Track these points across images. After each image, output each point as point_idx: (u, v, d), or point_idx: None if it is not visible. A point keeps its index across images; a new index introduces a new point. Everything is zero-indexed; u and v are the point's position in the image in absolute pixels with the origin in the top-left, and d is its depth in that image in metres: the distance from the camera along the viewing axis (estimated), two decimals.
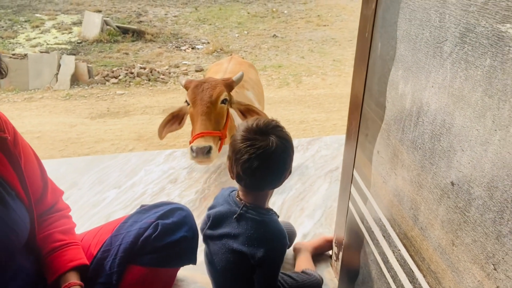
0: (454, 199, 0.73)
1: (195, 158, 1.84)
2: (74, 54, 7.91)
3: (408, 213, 0.90)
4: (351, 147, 1.26)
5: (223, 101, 1.96)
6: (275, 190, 1.23)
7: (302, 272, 1.42)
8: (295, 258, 1.57)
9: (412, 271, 0.90)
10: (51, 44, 8.85)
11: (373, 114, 1.07)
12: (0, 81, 6.38)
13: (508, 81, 0.58)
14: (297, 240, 1.66)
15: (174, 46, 8.87)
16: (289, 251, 1.62)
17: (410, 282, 0.91)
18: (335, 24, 10.60)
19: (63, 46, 8.75)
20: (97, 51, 8.45)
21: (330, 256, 1.63)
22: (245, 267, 1.14)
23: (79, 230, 1.31)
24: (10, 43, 8.77)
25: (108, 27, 9.29)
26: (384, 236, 1.04)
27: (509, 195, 0.59)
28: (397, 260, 0.97)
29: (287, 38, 9.47)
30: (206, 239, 1.26)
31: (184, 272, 1.50)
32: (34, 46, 8.66)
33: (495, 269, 0.64)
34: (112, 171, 2.27)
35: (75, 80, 6.92)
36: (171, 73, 7.30)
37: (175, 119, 2.13)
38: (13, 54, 7.68)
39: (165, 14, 11.41)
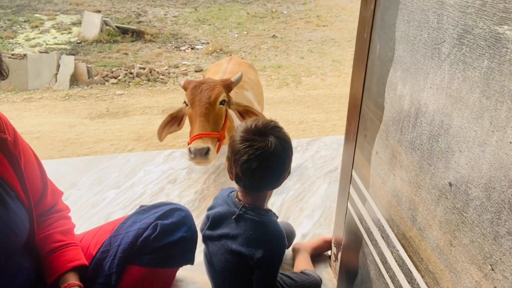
0: (452, 199, 0.73)
1: (193, 159, 1.84)
2: (74, 54, 7.91)
3: (407, 213, 0.91)
4: (350, 147, 1.26)
5: (222, 102, 1.96)
6: (274, 190, 1.23)
7: (301, 272, 1.42)
8: (294, 258, 1.58)
9: (411, 271, 0.90)
10: (51, 44, 8.85)
11: (371, 115, 1.08)
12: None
13: (505, 82, 0.59)
14: (296, 241, 1.67)
15: (173, 47, 8.87)
16: (288, 252, 1.62)
17: (409, 283, 0.92)
18: (334, 25, 10.62)
19: (63, 46, 8.75)
20: (97, 51, 8.45)
21: (329, 257, 1.63)
22: (244, 268, 1.14)
23: (79, 230, 1.31)
24: (9, 43, 8.77)
25: (107, 27, 9.30)
26: (382, 237, 1.05)
27: (507, 196, 0.60)
28: (396, 261, 0.97)
29: (286, 39, 9.48)
30: (205, 239, 1.26)
31: (183, 272, 1.50)
32: (34, 46, 8.66)
33: (492, 270, 0.64)
34: (112, 172, 2.27)
35: (75, 80, 6.92)
36: (171, 74, 7.30)
37: (174, 120, 2.13)
38: (13, 54, 7.68)
39: (165, 14, 11.41)
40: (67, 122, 5.24)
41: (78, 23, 10.17)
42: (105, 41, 8.86)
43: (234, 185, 1.20)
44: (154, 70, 7.26)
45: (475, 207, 0.67)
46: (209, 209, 1.28)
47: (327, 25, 10.56)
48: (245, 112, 2.05)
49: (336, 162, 2.34)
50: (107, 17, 9.96)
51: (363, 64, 1.10)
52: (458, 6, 0.68)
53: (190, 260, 1.30)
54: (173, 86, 6.73)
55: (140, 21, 10.69)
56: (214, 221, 1.21)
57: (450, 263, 0.75)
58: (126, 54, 8.33)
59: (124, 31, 9.33)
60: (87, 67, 7.04)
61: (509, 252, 0.60)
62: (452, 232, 0.74)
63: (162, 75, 7.17)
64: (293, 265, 1.55)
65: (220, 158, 2.27)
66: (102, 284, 1.16)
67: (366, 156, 1.13)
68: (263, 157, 1.05)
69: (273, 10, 11.99)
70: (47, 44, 8.85)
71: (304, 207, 1.96)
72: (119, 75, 7.05)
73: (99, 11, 10.95)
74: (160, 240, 1.20)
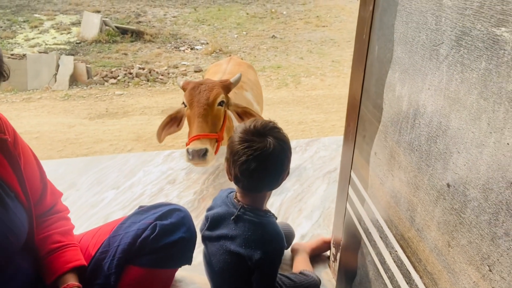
0: (450, 200, 0.74)
1: (191, 161, 1.84)
2: (73, 55, 7.91)
3: (405, 214, 0.91)
4: (348, 148, 1.26)
5: (220, 103, 1.96)
6: (274, 191, 1.23)
7: (300, 273, 1.42)
8: (292, 259, 1.58)
9: (409, 272, 0.91)
10: (50, 45, 8.85)
11: (370, 115, 1.08)
12: None
13: (503, 84, 0.59)
14: (295, 241, 1.67)
15: (173, 47, 8.88)
16: (287, 252, 1.62)
17: (407, 283, 0.92)
18: (334, 25, 10.62)
19: (62, 46, 8.75)
20: (96, 51, 8.45)
21: (328, 257, 1.63)
22: (243, 269, 1.15)
23: (78, 230, 1.31)
24: (8, 43, 8.76)
25: (107, 27, 9.30)
26: (381, 237, 1.05)
27: (504, 197, 0.60)
28: (394, 261, 0.98)
29: (286, 39, 9.49)
30: (205, 240, 1.26)
31: (182, 272, 1.50)
32: (33, 46, 8.66)
33: (490, 271, 0.64)
34: (111, 172, 2.27)
35: (74, 80, 6.92)
36: (170, 74, 7.30)
37: (173, 121, 2.13)
38: (12, 55, 7.67)
39: (164, 15, 11.41)
40: (67, 122, 5.23)
41: (77, 23, 10.16)
42: (104, 41, 8.86)
43: (233, 185, 1.20)
44: (154, 71, 7.26)
45: (473, 208, 0.67)
46: (208, 209, 1.28)
47: (326, 26, 10.56)
48: (243, 114, 2.06)
49: (335, 162, 2.34)
50: (106, 17, 9.95)
51: (362, 65, 1.10)
52: (456, 8, 0.68)
53: (189, 261, 1.30)
54: (173, 87, 6.73)
55: (140, 21, 10.69)
56: (213, 222, 1.21)
57: (448, 264, 0.76)
58: (126, 54, 8.33)
59: (123, 31, 9.33)
60: (87, 67, 7.04)
61: (506, 253, 0.60)
62: (450, 233, 0.74)
63: (162, 75, 7.17)
64: (292, 266, 1.55)
65: (219, 158, 2.27)
66: (101, 285, 1.16)
67: (364, 157, 1.13)
68: (261, 157, 1.05)
69: (273, 10, 12.00)
70: (46, 44, 8.84)
71: (303, 208, 1.96)
72: (118, 75, 7.05)
73: (98, 11, 10.95)
74: (159, 240, 1.20)
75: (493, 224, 0.63)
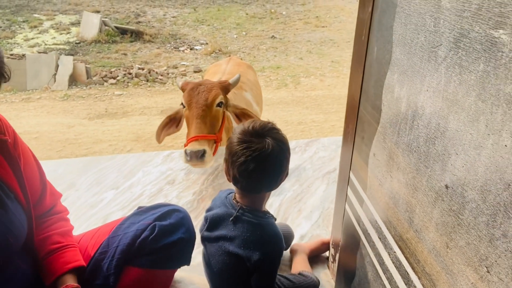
0: (448, 202, 0.74)
1: (189, 162, 1.84)
2: (72, 55, 7.91)
3: (404, 215, 0.91)
4: (347, 149, 1.27)
5: (219, 104, 1.96)
6: (273, 191, 1.23)
7: (299, 274, 1.42)
8: (291, 259, 1.58)
9: (407, 273, 0.91)
10: (49, 45, 8.84)
11: (369, 117, 1.08)
12: None
13: (500, 86, 0.59)
14: (294, 242, 1.67)
15: (172, 47, 8.87)
16: (286, 253, 1.62)
17: (406, 284, 0.92)
18: (333, 26, 10.63)
19: (61, 46, 8.75)
20: (95, 51, 8.44)
21: (327, 258, 1.64)
22: (241, 270, 1.15)
23: (77, 231, 1.31)
24: (8, 43, 8.76)
25: (106, 27, 9.29)
26: (380, 238, 1.05)
27: (502, 198, 0.60)
28: (393, 262, 0.98)
29: (285, 39, 9.49)
30: (204, 240, 1.26)
31: (182, 273, 1.50)
32: (32, 47, 8.65)
33: (488, 272, 0.64)
34: (110, 172, 2.27)
35: (73, 80, 6.92)
36: (170, 74, 7.30)
37: (172, 122, 2.13)
38: (11, 55, 7.67)
39: (164, 15, 11.41)
40: (66, 122, 5.23)
41: (77, 23, 10.16)
42: (104, 42, 8.85)
43: (232, 186, 1.21)
44: (153, 71, 7.26)
45: (471, 209, 0.67)
46: (208, 210, 1.28)
47: (326, 26, 10.57)
48: (241, 115, 2.05)
49: (335, 163, 2.35)
50: (106, 18, 9.95)
51: (361, 66, 1.11)
52: (454, 10, 0.68)
53: (188, 261, 1.30)
54: (172, 87, 6.73)
55: (139, 22, 10.69)
56: (212, 223, 1.22)
57: (446, 265, 0.76)
58: (125, 54, 8.33)
59: (123, 32, 9.33)
60: (86, 67, 7.04)
61: (504, 255, 0.61)
62: (448, 234, 0.74)
63: (161, 75, 7.17)
64: (291, 266, 1.55)
65: (218, 159, 2.27)
66: (100, 285, 1.16)
67: (363, 158, 1.14)
68: (260, 158, 1.05)
69: (272, 10, 12.00)
70: (45, 44, 8.84)
71: (303, 208, 1.96)
72: (118, 76, 7.05)
73: (98, 11, 10.95)
74: (158, 241, 1.20)
75: (491, 226, 0.63)
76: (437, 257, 0.79)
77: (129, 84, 6.84)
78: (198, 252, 1.33)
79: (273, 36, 9.68)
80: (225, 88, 2.02)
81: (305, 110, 5.63)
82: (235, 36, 9.79)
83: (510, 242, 0.59)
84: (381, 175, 1.02)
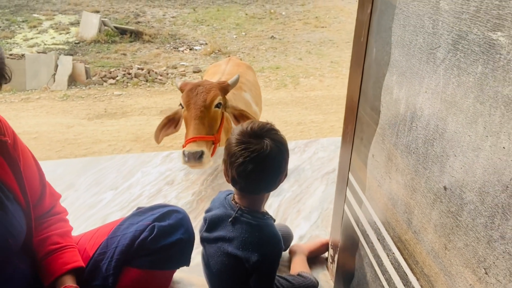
0: (446, 203, 0.74)
1: (187, 163, 1.84)
2: (72, 55, 7.90)
3: (402, 216, 0.91)
4: (346, 150, 1.27)
5: (217, 105, 1.96)
6: (272, 192, 1.23)
7: (298, 275, 1.42)
8: (290, 260, 1.58)
9: (406, 274, 0.91)
10: (49, 45, 8.83)
11: (368, 118, 1.08)
12: None
13: (499, 88, 0.59)
14: (293, 242, 1.67)
15: (172, 47, 8.87)
16: (285, 253, 1.63)
17: (404, 285, 0.92)
18: (332, 26, 10.63)
19: (61, 46, 8.74)
20: (95, 51, 8.44)
21: (326, 259, 1.64)
22: (240, 271, 1.15)
23: (76, 231, 1.31)
24: (7, 43, 8.75)
25: (106, 27, 9.29)
26: (378, 239, 1.05)
27: (500, 200, 0.60)
28: (391, 263, 0.98)
29: (285, 40, 9.49)
30: (203, 241, 1.26)
31: (181, 274, 1.50)
32: (32, 46, 8.64)
33: (486, 273, 0.65)
34: (109, 173, 2.27)
35: (73, 80, 6.91)
36: (169, 74, 7.30)
37: (171, 122, 2.13)
38: (11, 55, 7.66)
39: (163, 15, 11.41)
40: (65, 122, 5.23)
41: (76, 23, 10.15)
42: (103, 42, 8.84)
43: (232, 187, 1.21)
44: (153, 71, 7.26)
45: (469, 211, 0.68)
46: (207, 211, 1.28)
47: (325, 26, 10.57)
48: (240, 116, 2.05)
49: (334, 163, 2.35)
50: (105, 18, 9.94)
51: (360, 68, 1.11)
52: (453, 12, 0.68)
53: (187, 262, 1.30)
54: (172, 87, 6.72)
55: (139, 22, 10.68)
56: (211, 224, 1.22)
57: (444, 266, 0.76)
58: (125, 54, 8.32)
59: (122, 32, 9.32)
60: (85, 67, 7.03)
61: (502, 256, 0.61)
62: (446, 236, 0.74)
63: (161, 75, 7.16)
64: (290, 267, 1.55)
65: (218, 160, 2.27)
66: (99, 286, 1.16)
67: (362, 159, 1.14)
68: (258, 159, 1.05)
69: (272, 11, 12.00)
70: (45, 44, 8.83)
71: (302, 209, 1.96)
72: (117, 76, 7.05)
73: (97, 11, 10.94)
74: (157, 242, 1.20)
75: (489, 227, 0.63)
76: (435, 258, 0.79)
77: (129, 84, 6.83)
78: (197, 252, 1.33)
79: (272, 36, 9.68)
80: (224, 89, 2.02)
81: (305, 111, 5.63)
82: (235, 36, 9.79)
83: (508, 244, 0.59)
84: (380, 176, 1.02)
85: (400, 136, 0.90)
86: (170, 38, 9.44)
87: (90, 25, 9.12)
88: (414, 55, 0.82)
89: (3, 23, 10.12)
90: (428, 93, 0.78)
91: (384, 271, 1.02)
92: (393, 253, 0.97)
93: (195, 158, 1.82)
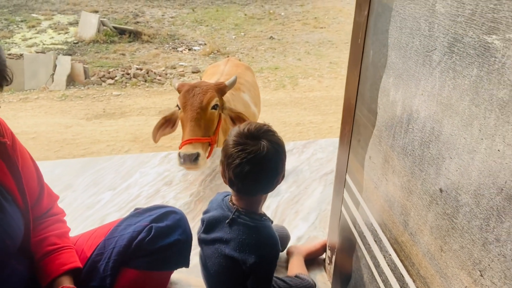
0: (442, 205, 0.74)
1: (183, 165, 1.84)
2: (70, 55, 7.89)
3: (399, 218, 0.91)
4: (344, 151, 1.27)
5: (214, 107, 1.95)
6: (270, 193, 1.23)
7: (295, 276, 1.43)
8: (288, 261, 1.58)
9: (402, 276, 0.91)
10: (47, 44, 8.82)
11: (365, 120, 1.09)
12: None
13: (494, 91, 0.60)
14: (291, 243, 1.67)
15: (170, 47, 8.87)
16: (283, 255, 1.63)
17: (401, 287, 0.92)
18: (331, 27, 10.64)
19: (59, 46, 8.73)
20: (94, 51, 8.43)
21: (324, 260, 1.64)
22: (237, 273, 1.15)
23: (74, 232, 1.31)
24: (6, 43, 8.73)
25: (104, 27, 9.28)
26: (375, 241, 1.05)
27: (495, 203, 0.61)
28: (388, 265, 0.98)
29: (284, 40, 9.49)
30: (201, 243, 1.26)
31: (178, 275, 1.50)
32: (30, 46, 8.63)
33: (481, 276, 0.65)
34: (107, 173, 2.27)
35: (71, 80, 6.90)
36: (168, 74, 7.29)
37: (168, 122, 2.13)
38: (9, 54, 7.65)
39: (162, 15, 11.40)
40: (64, 122, 5.22)
41: (75, 23, 10.14)
42: (102, 42, 8.83)
43: (230, 188, 1.21)
44: (151, 71, 7.25)
45: (464, 213, 0.68)
46: (204, 212, 1.28)
47: (324, 27, 10.58)
48: (236, 118, 2.05)
49: (332, 164, 2.35)
50: (104, 18, 9.93)
51: (357, 69, 1.11)
52: (448, 15, 0.69)
53: (185, 263, 1.31)
54: (170, 87, 6.71)
55: (138, 22, 10.67)
56: (208, 225, 1.22)
57: (440, 268, 0.76)
58: (123, 54, 8.32)
59: (121, 32, 9.32)
60: (84, 67, 7.02)
61: (497, 259, 0.61)
62: (442, 238, 0.75)
63: (159, 76, 7.16)
64: (287, 268, 1.56)
65: (216, 160, 2.27)
66: (96, 287, 1.16)
67: (359, 161, 1.14)
68: (255, 160, 1.05)
69: (271, 11, 12.01)
70: (43, 44, 8.82)
71: (300, 210, 1.96)
72: (116, 76, 7.04)
73: (96, 11, 10.93)
74: (154, 243, 1.20)
75: (484, 230, 0.63)
76: (431, 260, 0.79)
77: (127, 84, 6.83)
78: (195, 253, 1.33)
79: (271, 37, 9.68)
80: (221, 90, 2.02)
81: (303, 111, 5.64)
82: (234, 36, 9.79)
83: (503, 246, 0.59)
84: (377, 178, 1.02)
85: (397, 138, 0.90)
86: (169, 38, 9.44)
87: (89, 25, 9.11)
88: (410, 58, 0.82)
89: (2, 23, 10.11)
90: (424, 96, 0.78)
91: (381, 273, 1.02)
92: (390, 255, 0.97)
93: (190, 160, 1.82)
